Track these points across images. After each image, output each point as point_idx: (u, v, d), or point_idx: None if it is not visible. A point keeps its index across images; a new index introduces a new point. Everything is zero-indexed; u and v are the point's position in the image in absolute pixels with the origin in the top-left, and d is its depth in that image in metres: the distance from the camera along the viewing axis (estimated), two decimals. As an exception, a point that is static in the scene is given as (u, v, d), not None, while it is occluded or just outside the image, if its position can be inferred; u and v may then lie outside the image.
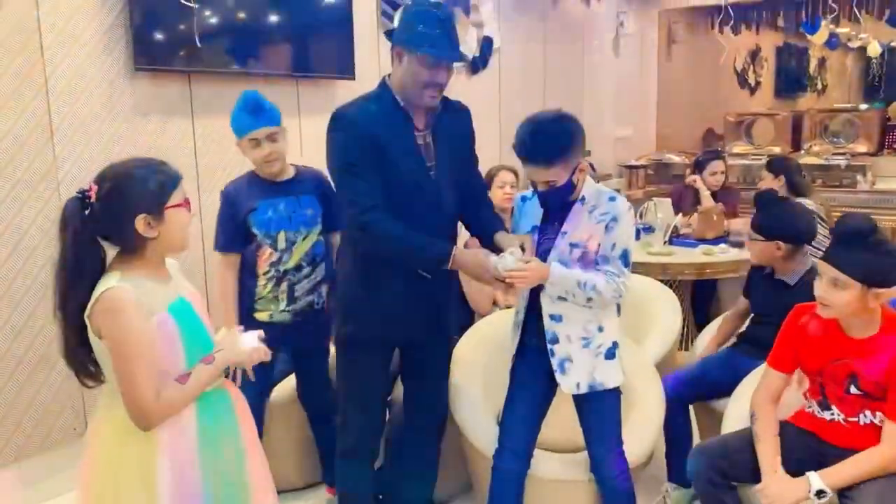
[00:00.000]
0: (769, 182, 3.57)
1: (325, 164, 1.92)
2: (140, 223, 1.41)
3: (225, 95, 2.97)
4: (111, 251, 1.45)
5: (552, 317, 1.89)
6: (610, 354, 1.91)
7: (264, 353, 1.53)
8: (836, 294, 1.73)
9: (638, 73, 6.01)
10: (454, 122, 1.98)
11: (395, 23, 1.87)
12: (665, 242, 3.59)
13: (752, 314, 2.50)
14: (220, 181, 2.98)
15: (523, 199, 2.00)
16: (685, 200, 4.03)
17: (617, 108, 5.76)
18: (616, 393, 1.94)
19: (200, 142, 2.94)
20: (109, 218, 1.39)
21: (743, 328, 2.53)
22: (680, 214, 3.82)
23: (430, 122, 1.92)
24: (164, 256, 1.49)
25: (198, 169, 2.96)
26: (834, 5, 5.89)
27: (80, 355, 1.42)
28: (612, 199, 1.84)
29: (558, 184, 1.78)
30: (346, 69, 3.43)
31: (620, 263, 1.83)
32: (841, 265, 1.71)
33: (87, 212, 1.38)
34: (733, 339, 2.53)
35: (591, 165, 1.88)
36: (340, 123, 1.84)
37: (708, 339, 2.63)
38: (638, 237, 3.61)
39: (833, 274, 1.72)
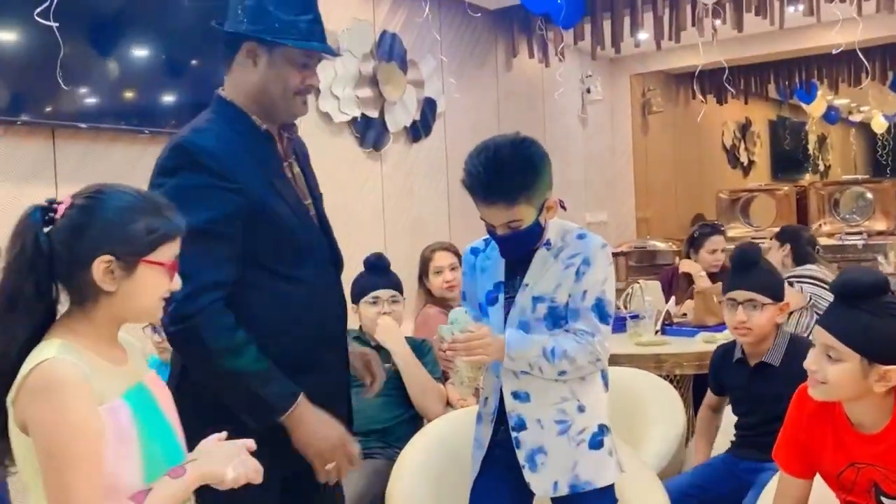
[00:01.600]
0: (774, 252, 3.69)
1: None
2: (98, 267, 1.23)
3: (99, 156, 2.93)
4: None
5: (515, 395, 1.83)
6: (595, 443, 1.84)
7: (254, 472, 1.29)
8: (829, 367, 1.59)
9: (610, 148, 6.26)
10: (303, 150, 1.88)
11: (236, 9, 1.68)
12: (657, 332, 3.60)
13: (736, 411, 2.51)
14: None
15: (474, 251, 1.97)
16: (677, 284, 4.07)
17: (587, 189, 5.94)
18: (609, 496, 1.85)
19: (65, 215, 2.87)
20: (65, 246, 1.23)
21: (720, 427, 2.61)
22: (672, 299, 3.85)
23: (290, 148, 1.78)
24: (117, 325, 1.31)
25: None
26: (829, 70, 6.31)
27: None
28: (581, 236, 1.83)
29: (523, 225, 1.76)
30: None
31: (594, 317, 1.78)
32: (836, 330, 1.58)
33: (46, 229, 1.23)
34: (727, 444, 2.55)
35: (561, 203, 1.87)
36: (191, 158, 1.60)
37: (698, 446, 2.64)
38: (623, 327, 3.60)
39: (827, 341, 1.59)
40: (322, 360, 1.71)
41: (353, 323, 3.50)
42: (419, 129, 4.36)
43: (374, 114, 4.04)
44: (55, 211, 1.24)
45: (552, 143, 5.51)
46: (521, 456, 1.82)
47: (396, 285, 2.84)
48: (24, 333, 1.22)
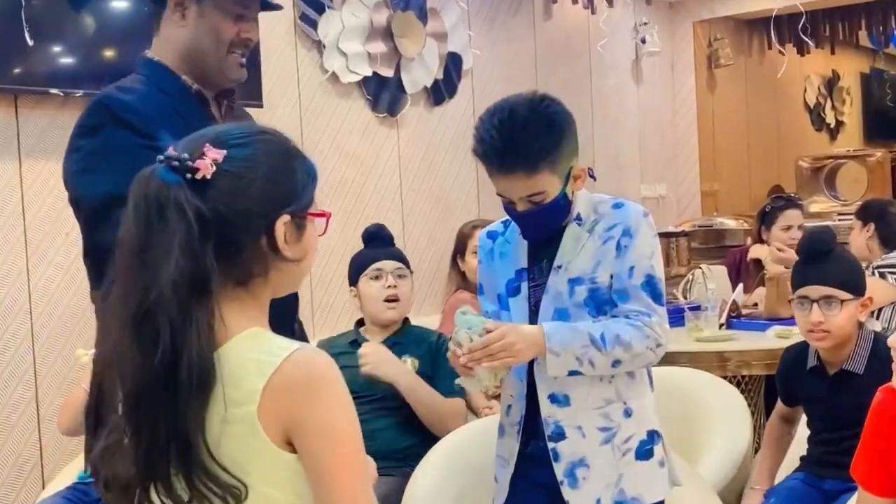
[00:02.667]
0: (857, 233, 3.62)
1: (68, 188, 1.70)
2: (280, 228, 1.18)
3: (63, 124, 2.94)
4: None
5: (553, 398, 1.81)
6: (644, 452, 1.83)
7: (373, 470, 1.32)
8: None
9: (670, 109, 6.17)
10: (242, 117, 1.91)
11: None
12: (722, 325, 3.55)
13: (813, 424, 2.47)
14: (59, 254, 2.91)
15: (491, 235, 1.95)
16: (746, 269, 4.01)
17: (643, 158, 5.87)
18: None
19: (31, 194, 2.89)
20: (235, 212, 1.15)
21: (796, 442, 2.54)
22: (740, 287, 3.80)
23: (229, 118, 1.83)
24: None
25: (26, 235, 2.89)
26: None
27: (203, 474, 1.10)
28: (618, 205, 1.83)
29: (547, 198, 1.75)
30: (252, 94, 3.45)
31: (647, 296, 1.77)
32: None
33: (197, 194, 1.13)
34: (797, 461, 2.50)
35: (590, 171, 1.85)
36: (114, 115, 1.64)
37: (762, 463, 2.57)
38: (682, 319, 3.56)
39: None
40: None
41: (344, 317, 3.50)
42: (442, 90, 4.32)
43: (388, 73, 4.02)
44: (196, 170, 1.14)
45: (600, 105, 5.44)
46: (559, 470, 1.81)
47: (403, 258, 2.80)
48: (210, 327, 1.12)
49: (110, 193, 1.53)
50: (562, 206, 1.78)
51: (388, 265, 2.70)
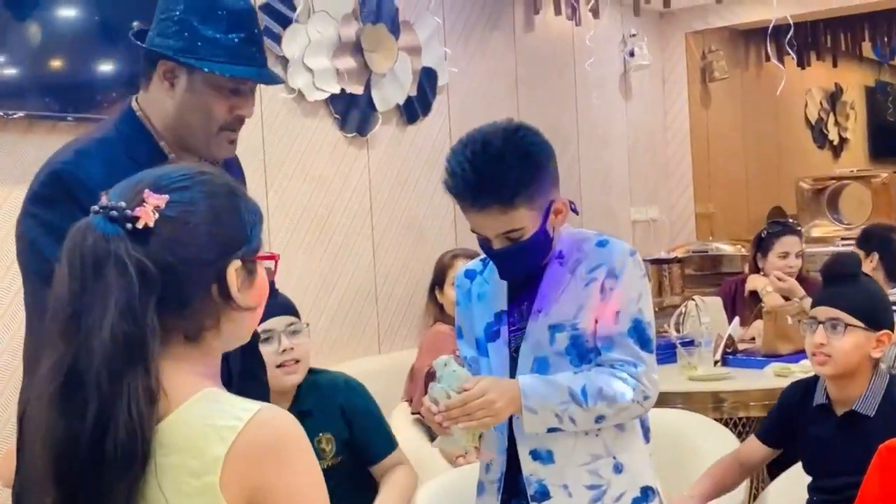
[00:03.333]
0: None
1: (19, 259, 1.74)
2: (232, 275, 1.18)
3: (6, 151, 2.97)
4: None
5: (535, 455, 1.82)
6: None
7: None
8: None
9: (661, 125, 6.26)
10: (229, 169, 1.90)
11: (158, 17, 1.75)
12: (717, 362, 3.59)
13: (812, 469, 2.47)
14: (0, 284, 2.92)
15: (469, 275, 1.98)
16: (742, 301, 4.07)
17: (633, 178, 5.95)
18: None
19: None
20: (182, 262, 1.15)
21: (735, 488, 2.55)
22: (736, 320, 3.85)
23: None
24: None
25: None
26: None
27: None
28: (602, 244, 1.84)
29: (525, 235, 1.76)
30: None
31: (633, 343, 1.79)
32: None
33: (139, 245, 1.13)
34: None
35: (572, 204, 1.89)
36: (67, 190, 1.65)
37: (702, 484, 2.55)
38: (674, 356, 3.60)
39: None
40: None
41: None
42: (415, 108, 4.38)
43: (357, 89, 4.06)
44: (135, 219, 1.13)
45: (586, 122, 5.52)
46: None
47: (292, 309, 2.57)
48: (149, 390, 1.11)
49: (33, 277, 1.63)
50: (541, 242, 1.79)
51: (279, 323, 2.49)
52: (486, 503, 1.92)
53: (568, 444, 1.81)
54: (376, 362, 4.07)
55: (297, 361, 2.47)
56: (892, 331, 2.38)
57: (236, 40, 1.72)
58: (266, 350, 2.38)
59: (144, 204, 1.15)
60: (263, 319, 2.40)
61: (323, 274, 3.95)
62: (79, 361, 1.10)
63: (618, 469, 1.82)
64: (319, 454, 2.43)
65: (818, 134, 8.21)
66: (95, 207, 1.16)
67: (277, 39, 3.78)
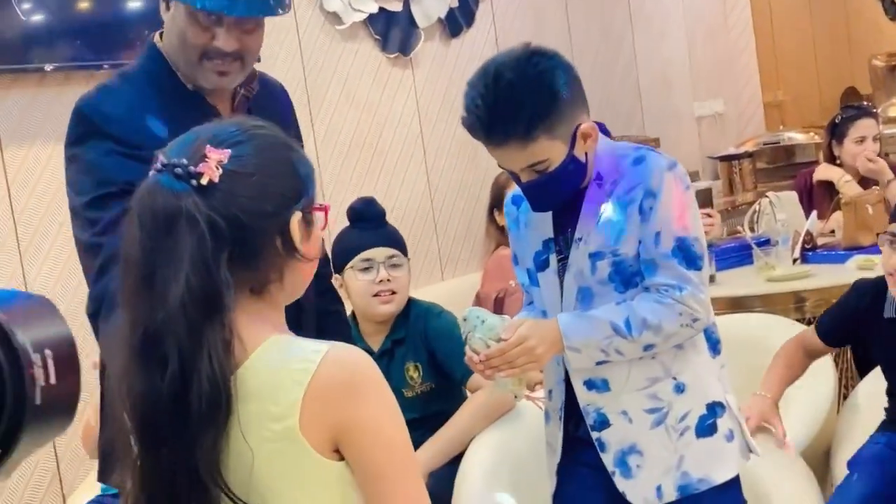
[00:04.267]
0: None
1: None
2: (295, 226, 1.22)
3: (45, 102, 2.99)
4: None
5: (589, 385, 1.83)
6: (705, 428, 1.84)
7: None
8: None
9: (721, 11, 6.08)
10: (277, 111, 1.91)
11: None
12: (796, 260, 3.53)
13: (891, 378, 2.42)
14: (54, 247, 2.97)
15: (515, 201, 1.95)
16: (818, 193, 3.98)
17: (694, 71, 5.80)
18: (733, 494, 1.86)
19: (17, 186, 2.94)
20: (248, 214, 1.18)
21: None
22: (814, 214, 3.78)
23: (242, 109, 1.85)
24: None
25: (16, 227, 2.94)
26: None
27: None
28: (639, 160, 1.79)
29: (552, 166, 1.74)
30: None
31: (678, 263, 1.76)
32: None
33: (206, 200, 1.16)
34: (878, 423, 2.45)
35: (601, 126, 1.81)
36: (94, 126, 1.74)
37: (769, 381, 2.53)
38: (750, 257, 3.55)
39: None
40: None
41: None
42: (458, 20, 4.29)
43: (396, 6, 3.99)
44: (199, 174, 1.16)
45: (640, 15, 5.37)
46: (608, 460, 1.83)
47: (398, 241, 2.61)
48: (226, 342, 1.15)
49: (95, 199, 1.72)
50: (571, 170, 1.76)
51: (380, 254, 2.53)
52: (551, 431, 1.94)
53: (622, 370, 1.81)
54: (440, 289, 4.08)
55: (394, 293, 2.52)
56: None
57: None
58: (364, 278, 2.51)
59: (207, 159, 1.18)
60: (366, 248, 2.50)
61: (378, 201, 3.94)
62: (156, 318, 1.14)
63: (679, 389, 1.81)
64: (408, 382, 2.51)
65: (889, 5, 7.89)
66: (158, 165, 1.20)
67: (306, -39, 3.72)
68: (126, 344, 1.17)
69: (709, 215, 3.85)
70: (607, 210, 1.78)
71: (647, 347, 1.77)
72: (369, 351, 2.50)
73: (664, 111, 5.49)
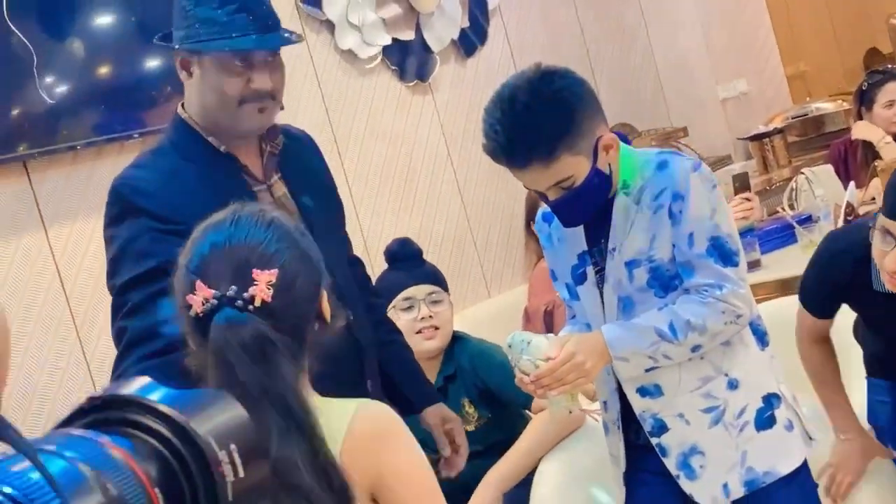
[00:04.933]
0: None
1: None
2: (325, 304, 1.40)
3: (81, 178, 3.07)
4: None
5: (643, 392, 1.85)
6: (764, 421, 1.86)
7: None
8: None
9: (734, -9, 6.07)
10: (305, 158, 1.99)
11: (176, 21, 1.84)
12: (838, 234, 3.52)
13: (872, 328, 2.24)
14: (107, 316, 3.04)
15: (546, 218, 1.97)
16: (854, 161, 3.98)
17: (713, 55, 5.79)
18: (801, 480, 1.87)
19: (64, 264, 3.02)
20: (299, 313, 1.35)
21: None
22: (852, 185, 3.77)
23: (272, 164, 1.91)
24: None
25: (69, 304, 3.02)
26: None
27: None
28: (663, 165, 1.81)
29: (578, 181, 1.76)
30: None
31: (715, 262, 1.77)
32: None
33: (267, 318, 1.30)
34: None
35: (621, 136, 1.85)
36: (129, 203, 1.78)
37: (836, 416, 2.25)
38: (793, 236, 3.55)
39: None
40: None
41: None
42: (471, 39, 4.34)
43: (408, 35, 4.06)
44: (253, 298, 1.29)
45: (652, 9, 5.39)
46: (671, 465, 1.85)
47: (436, 278, 2.67)
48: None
49: (126, 282, 1.76)
50: (597, 184, 1.77)
51: (420, 291, 2.59)
52: (612, 442, 1.96)
53: (673, 374, 1.82)
54: (489, 307, 4.12)
55: (437, 328, 2.57)
56: None
57: (228, 13, 1.78)
58: (406, 317, 2.56)
59: (255, 282, 1.29)
60: (406, 286, 2.56)
61: (415, 231, 3.99)
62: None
63: (732, 385, 1.83)
64: (466, 418, 2.52)
65: (903, -40, 7.84)
66: (213, 300, 1.29)
67: (317, 3, 3.78)
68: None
69: (747, 199, 3.87)
70: (638, 217, 1.80)
71: (695, 349, 1.79)
72: None
73: (688, 99, 5.50)
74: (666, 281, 1.80)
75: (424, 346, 2.55)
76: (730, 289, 1.76)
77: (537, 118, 1.71)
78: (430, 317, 2.55)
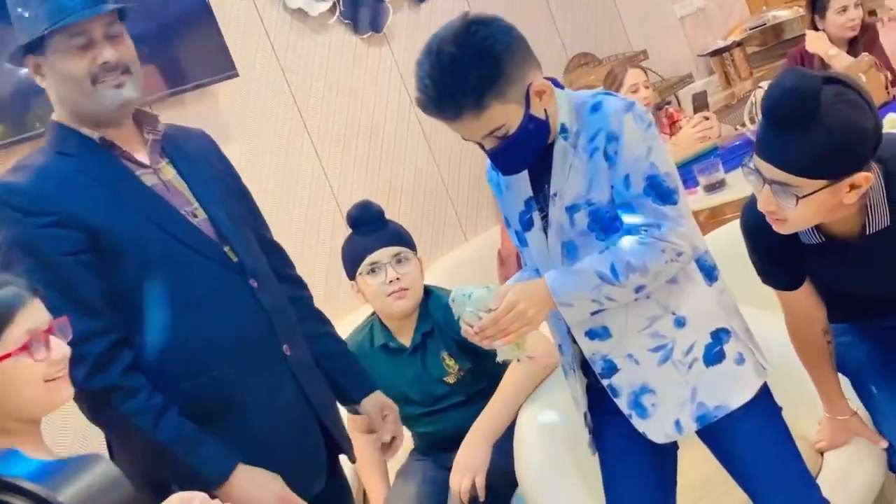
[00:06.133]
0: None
1: None
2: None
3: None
4: None
5: (591, 334, 1.86)
6: (713, 356, 1.85)
7: None
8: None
9: None
10: (199, 149, 2.01)
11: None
12: (799, 144, 3.57)
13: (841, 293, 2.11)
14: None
15: (493, 166, 1.94)
16: (811, 69, 4.01)
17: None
18: (759, 409, 1.88)
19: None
20: None
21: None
22: (810, 93, 3.81)
23: (156, 150, 1.92)
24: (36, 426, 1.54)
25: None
26: None
27: None
28: (596, 107, 1.79)
29: (511, 129, 1.75)
30: (222, 66, 3.56)
31: (653, 201, 1.76)
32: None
33: None
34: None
35: (554, 81, 1.85)
36: (7, 206, 1.74)
37: (823, 395, 2.21)
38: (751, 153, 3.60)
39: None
40: (251, 389, 1.88)
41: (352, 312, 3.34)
42: (417, -17, 4.32)
43: (357, -14, 4.04)
44: None
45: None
46: (623, 404, 1.87)
47: (399, 237, 2.63)
48: None
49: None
50: (532, 129, 1.76)
51: (384, 254, 2.58)
52: (572, 385, 1.98)
53: (620, 315, 1.83)
54: (467, 250, 4.19)
55: (406, 289, 2.57)
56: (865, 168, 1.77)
57: (34, 7, 1.78)
58: (375, 281, 2.56)
59: None
60: (370, 251, 2.56)
61: (385, 182, 4.04)
62: None
63: (679, 323, 1.83)
64: (445, 370, 2.57)
65: None
66: None
67: (262, -31, 3.78)
68: None
69: (705, 118, 3.93)
70: (575, 161, 1.79)
71: (638, 289, 1.78)
72: (402, 348, 2.61)
73: (645, 20, 5.51)
74: (606, 223, 1.79)
75: (396, 306, 2.56)
76: (669, 227, 1.75)
77: (463, 68, 1.69)
78: (398, 279, 2.55)
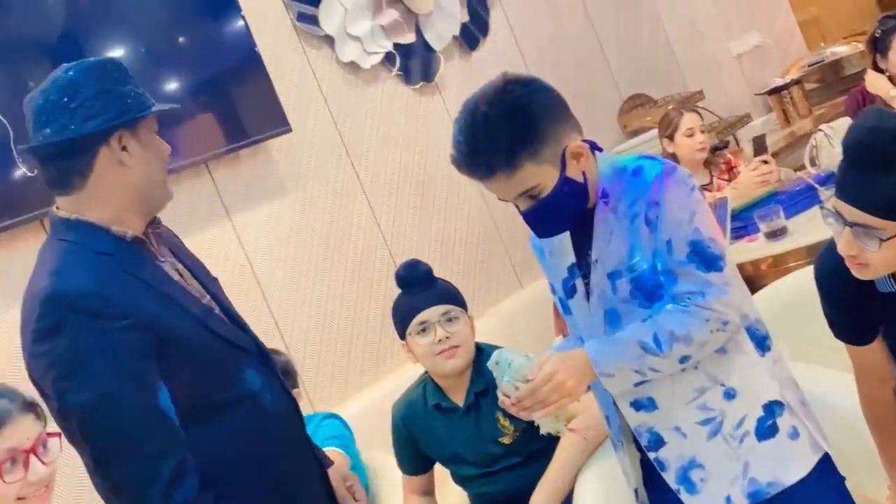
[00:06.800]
0: None
1: (55, 402, 1.67)
2: None
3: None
4: None
5: (637, 405, 1.81)
6: (766, 430, 1.80)
7: None
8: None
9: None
10: (174, 237, 2.00)
11: (65, 111, 1.72)
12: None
13: None
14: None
15: (530, 227, 1.91)
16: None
17: (722, 10, 5.76)
18: (818, 487, 1.81)
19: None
20: None
21: None
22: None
23: (161, 244, 1.90)
24: None
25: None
26: None
27: None
28: (637, 171, 1.77)
29: (545, 190, 1.73)
30: (275, 122, 3.59)
31: (696, 268, 1.72)
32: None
33: None
34: None
35: (592, 144, 1.82)
36: (71, 307, 1.63)
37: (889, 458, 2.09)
38: (816, 198, 3.54)
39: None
40: (301, 478, 1.90)
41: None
42: (472, 32, 4.36)
43: (409, 38, 4.08)
44: None
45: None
46: (669, 479, 1.82)
47: (448, 296, 2.59)
48: None
49: (101, 397, 1.63)
50: (568, 192, 1.74)
51: (433, 314, 2.53)
52: (621, 458, 1.94)
53: (666, 386, 1.78)
54: (522, 298, 4.15)
55: (457, 347, 2.53)
56: None
57: (125, 88, 1.80)
58: (424, 341, 2.53)
59: None
60: (419, 311, 2.55)
61: (439, 231, 4.03)
62: None
63: (729, 395, 1.79)
64: (501, 430, 2.52)
65: None
66: None
67: (314, 21, 3.81)
68: None
69: (765, 161, 3.86)
70: (616, 226, 1.76)
71: (683, 360, 1.73)
72: (455, 408, 2.57)
73: (701, 60, 5.47)
74: (649, 291, 1.76)
75: (447, 365, 2.52)
76: (714, 295, 1.71)
77: (495, 128, 1.69)
78: (448, 337, 2.51)
